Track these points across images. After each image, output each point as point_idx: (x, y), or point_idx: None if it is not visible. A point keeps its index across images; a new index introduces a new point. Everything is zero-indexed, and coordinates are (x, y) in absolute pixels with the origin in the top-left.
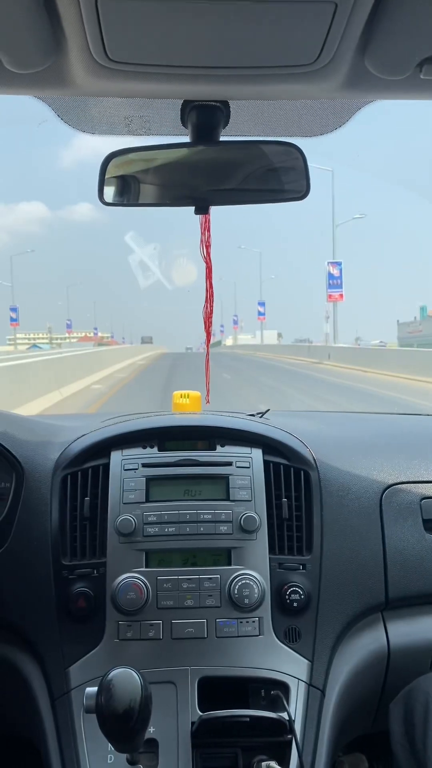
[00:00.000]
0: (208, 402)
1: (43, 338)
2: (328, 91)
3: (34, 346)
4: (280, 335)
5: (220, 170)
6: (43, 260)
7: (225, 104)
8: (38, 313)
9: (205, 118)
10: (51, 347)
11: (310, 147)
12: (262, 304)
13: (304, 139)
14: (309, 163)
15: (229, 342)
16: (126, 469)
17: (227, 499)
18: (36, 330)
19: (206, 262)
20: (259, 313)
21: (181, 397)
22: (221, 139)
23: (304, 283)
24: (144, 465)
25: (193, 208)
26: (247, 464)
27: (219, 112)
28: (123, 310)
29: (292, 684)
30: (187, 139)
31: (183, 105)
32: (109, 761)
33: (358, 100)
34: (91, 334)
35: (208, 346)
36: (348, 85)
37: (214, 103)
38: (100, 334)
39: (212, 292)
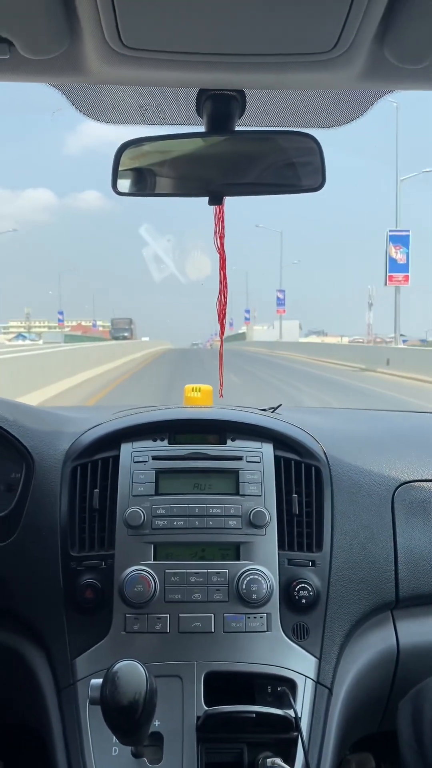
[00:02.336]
0: (221, 396)
1: (18, 327)
2: (346, 80)
3: (20, 335)
4: (300, 327)
5: (234, 161)
6: (47, 248)
7: (241, 93)
8: (44, 303)
9: (220, 107)
10: (31, 338)
11: (327, 138)
12: (282, 291)
13: (320, 129)
14: (325, 153)
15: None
16: (136, 462)
17: (237, 493)
18: (32, 318)
19: (220, 254)
20: (279, 302)
21: (193, 390)
22: (236, 129)
23: (329, 268)
24: (154, 458)
25: (206, 198)
26: (257, 459)
27: (234, 102)
28: (131, 302)
29: (300, 681)
30: (201, 128)
31: (198, 94)
32: (113, 753)
33: (377, 89)
34: (89, 323)
35: (221, 339)
36: (366, 75)
37: (229, 92)
38: (100, 325)
39: (226, 283)
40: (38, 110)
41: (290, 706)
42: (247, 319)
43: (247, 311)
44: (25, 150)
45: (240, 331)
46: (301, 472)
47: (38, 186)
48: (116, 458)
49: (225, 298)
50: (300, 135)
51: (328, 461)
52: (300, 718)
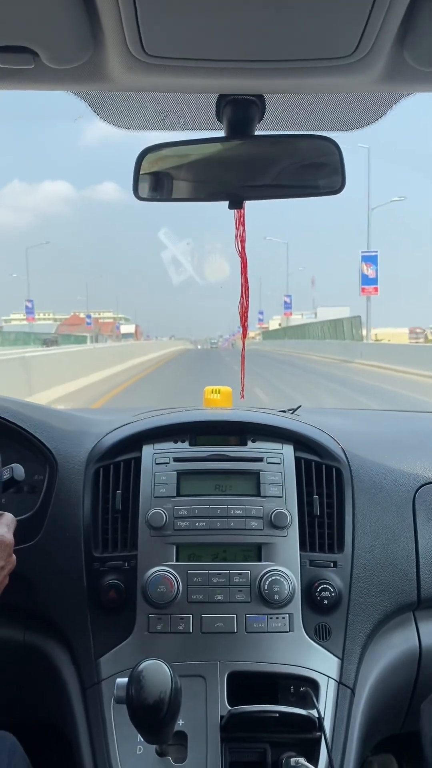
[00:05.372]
0: (242, 398)
1: (20, 320)
2: (366, 84)
3: None
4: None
5: (254, 165)
6: (66, 242)
7: (260, 98)
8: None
9: (240, 112)
10: None
11: (346, 141)
12: (289, 296)
13: (339, 133)
14: (345, 157)
15: (253, 335)
16: (157, 463)
17: (258, 494)
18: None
19: (241, 257)
20: (286, 306)
21: (213, 392)
22: (256, 133)
23: (335, 272)
24: (175, 459)
25: (227, 203)
26: (278, 460)
27: (254, 106)
28: (148, 299)
29: (322, 681)
30: (221, 133)
31: (218, 99)
32: (138, 752)
33: (396, 92)
34: (83, 315)
35: (243, 340)
36: (386, 78)
37: (249, 97)
38: (107, 318)
39: (248, 286)
40: (58, 117)
41: (313, 706)
42: (260, 320)
43: (261, 313)
44: (41, 141)
45: (288, 324)
46: (322, 474)
47: (56, 178)
48: (138, 460)
49: (247, 301)
50: (319, 138)
51: (348, 462)
52: (323, 718)
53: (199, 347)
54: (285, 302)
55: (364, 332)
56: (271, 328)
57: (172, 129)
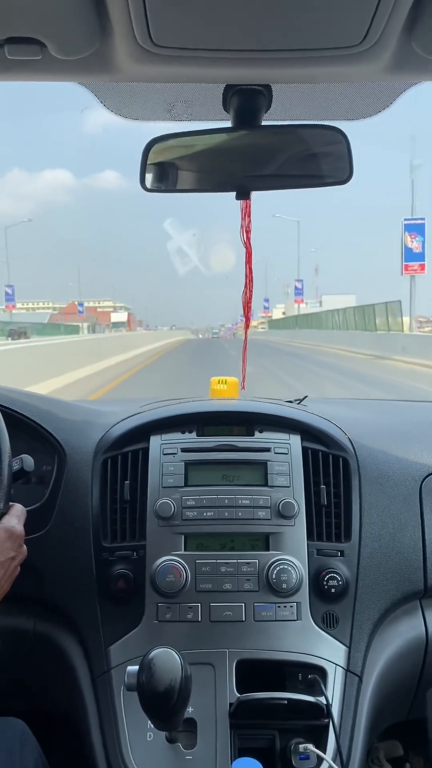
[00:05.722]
0: (243, 388)
1: (21, 309)
2: (374, 73)
3: None
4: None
5: (261, 155)
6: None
7: (267, 88)
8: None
9: (247, 102)
10: None
11: (353, 131)
12: (300, 281)
13: (347, 122)
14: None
15: (255, 323)
16: (165, 454)
17: (265, 484)
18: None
19: (246, 248)
20: (297, 292)
21: (219, 383)
22: (263, 123)
23: (338, 259)
24: (183, 450)
25: (234, 193)
26: (285, 450)
27: (261, 96)
28: (149, 289)
29: (330, 669)
30: (228, 123)
31: (225, 89)
32: (148, 738)
33: (404, 82)
34: (93, 304)
35: (246, 330)
36: (394, 67)
37: (256, 87)
38: (108, 307)
39: (251, 277)
40: (64, 108)
41: (321, 694)
42: (266, 308)
43: (267, 301)
44: (42, 128)
45: (298, 311)
46: (329, 463)
47: (56, 167)
48: (146, 450)
49: (250, 291)
50: (326, 128)
51: (355, 452)
52: (331, 705)
53: (200, 336)
54: (296, 288)
55: (406, 321)
56: (274, 317)
57: (179, 120)
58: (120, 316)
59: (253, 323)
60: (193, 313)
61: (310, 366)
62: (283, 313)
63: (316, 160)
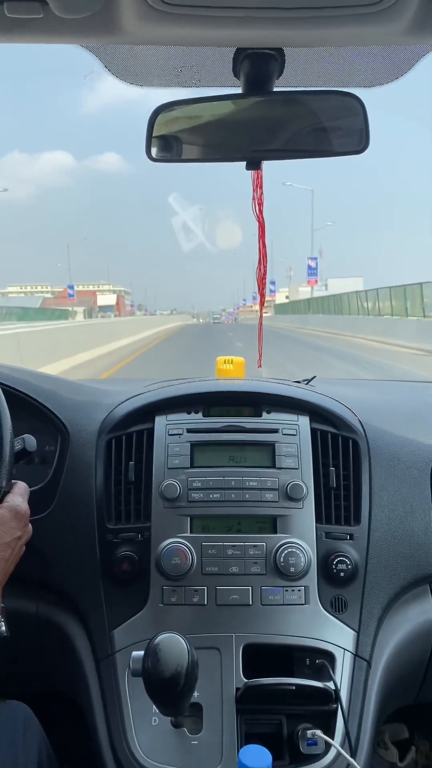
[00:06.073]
0: (260, 366)
1: (18, 293)
2: (393, 35)
3: None
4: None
5: (273, 123)
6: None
7: (279, 52)
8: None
9: (258, 67)
10: None
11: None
12: (314, 259)
13: (362, 89)
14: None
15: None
16: (171, 434)
17: (273, 466)
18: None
19: (259, 221)
20: (310, 272)
21: (225, 362)
22: (275, 89)
23: (341, 242)
24: (189, 430)
25: (244, 163)
26: (293, 431)
27: (273, 61)
28: (150, 273)
29: (338, 654)
30: (238, 90)
31: (236, 53)
32: (153, 723)
33: (425, 45)
34: (81, 288)
35: (261, 309)
36: (415, 28)
37: (268, 51)
38: (107, 289)
39: (265, 252)
40: (66, 73)
41: (329, 679)
42: (272, 291)
43: (273, 284)
44: (42, 109)
45: (312, 294)
46: (338, 445)
47: (56, 149)
48: (151, 431)
49: (264, 268)
50: (342, 95)
51: (365, 434)
52: (339, 690)
53: (201, 321)
54: (309, 267)
55: None
56: (277, 302)
57: (187, 86)
58: (109, 299)
59: (254, 307)
60: (195, 297)
61: (326, 357)
62: (287, 297)
63: (330, 128)
